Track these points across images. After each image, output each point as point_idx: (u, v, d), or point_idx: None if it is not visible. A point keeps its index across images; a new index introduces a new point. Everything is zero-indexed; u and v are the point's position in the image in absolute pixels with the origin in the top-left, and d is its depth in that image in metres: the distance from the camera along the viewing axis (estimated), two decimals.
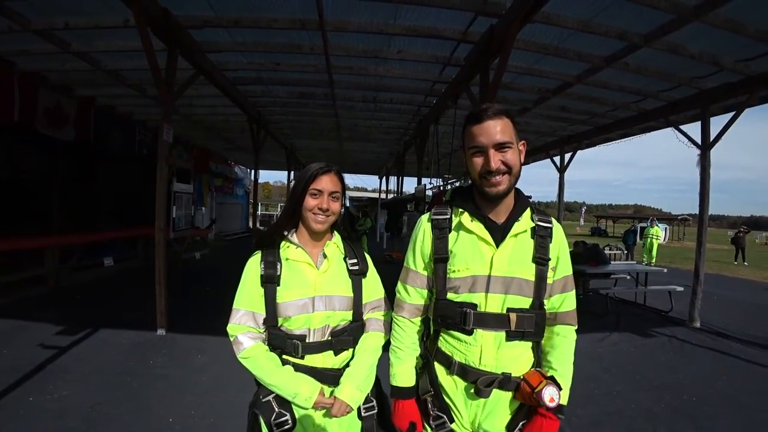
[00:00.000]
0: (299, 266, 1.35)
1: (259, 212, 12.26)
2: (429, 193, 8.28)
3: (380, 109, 8.66)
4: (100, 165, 9.03)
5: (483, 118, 1.18)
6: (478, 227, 1.24)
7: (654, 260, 13.93)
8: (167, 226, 4.88)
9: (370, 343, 1.41)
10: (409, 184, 38.26)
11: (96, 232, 8.19)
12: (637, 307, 7.27)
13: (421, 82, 6.80)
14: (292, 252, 1.36)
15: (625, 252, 13.86)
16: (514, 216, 1.25)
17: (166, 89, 4.71)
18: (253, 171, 11.91)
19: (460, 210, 1.28)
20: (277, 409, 1.28)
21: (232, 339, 1.33)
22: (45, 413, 2.87)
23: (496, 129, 1.17)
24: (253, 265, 1.35)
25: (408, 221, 8.13)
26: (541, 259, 1.23)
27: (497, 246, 1.22)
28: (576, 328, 1.32)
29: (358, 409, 1.37)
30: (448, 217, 1.30)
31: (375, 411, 1.40)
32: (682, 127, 6.78)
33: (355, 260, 1.42)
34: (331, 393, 1.32)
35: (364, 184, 32.33)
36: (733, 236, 19.20)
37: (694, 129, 6.44)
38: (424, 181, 9.53)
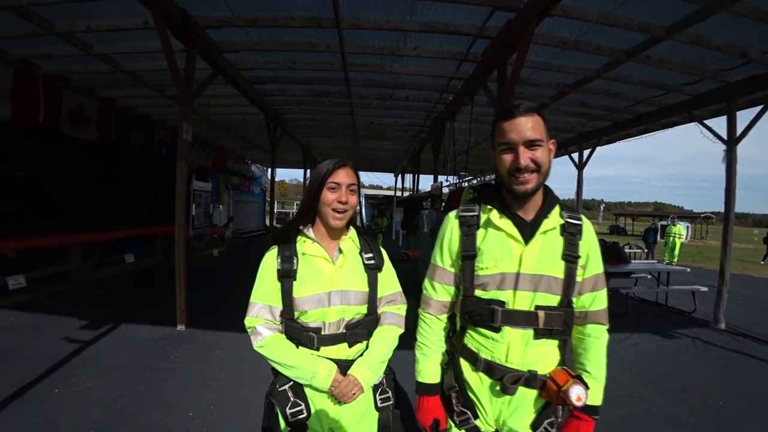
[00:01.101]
0: (315, 261, 1.36)
1: (275, 210, 12.37)
2: (445, 190, 8.21)
3: (396, 106, 8.64)
4: (121, 164, 9.25)
5: (514, 114, 1.17)
6: (506, 224, 1.23)
7: (676, 259, 13.58)
8: (186, 224, 4.95)
9: (385, 335, 1.42)
10: (425, 182, 38.18)
11: (117, 230, 8.40)
12: (659, 308, 7.09)
13: (437, 78, 6.75)
14: (308, 247, 1.38)
15: (646, 251, 13.55)
16: (542, 213, 1.23)
17: (184, 89, 4.78)
18: (269, 169, 12.03)
19: (489, 207, 1.27)
20: (292, 399, 1.30)
21: (249, 330, 1.36)
22: (70, 405, 2.95)
23: (527, 126, 1.15)
24: (270, 260, 1.37)
25: (424, 219, 8.08)
26: (570, 256, 1.21)
27: (526, 243, 1.21)
28: (608, 327, 1.30)
29: (375, 400, 1.39)
30: (476, 213, 1.29)
31: (391, 402, 1.41)
32: (706, 121, 6.58)
33: (370, 254, 1.43)
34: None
35: (379, 182, 32.43)
36: (766, 235, 18.55)
37: (718, 124, 6.23)
38: (441, 178, 9.46)
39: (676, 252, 13.82)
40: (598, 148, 9.89)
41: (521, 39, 4.20)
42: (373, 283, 1.40)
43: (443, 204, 7.16)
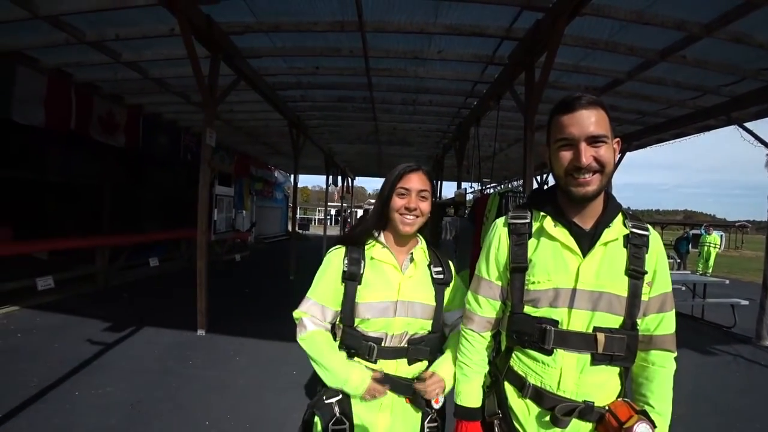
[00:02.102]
0: (384, 267, 1.30)
1: (297, 216, 12.49)
2: (469, 197, 8.05)
3: (419, 111, 8.53)
4: (147, 170, 9.48)
5: (576, 106, 1.03)
6: (562, 233, 1.09)
7: (711, 270, 12.94)
8: (208, 229, 4.97)
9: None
10: (448, 189, 37.88)
11: (143, 234, 8.57)
12: (694, 321, 6.72)
13: (461, 82, 6.62)
14: (377, 252, 1.32)
15: (678, 261, 13.00)
16: (604, 221, 1.09)
17: (209, 95, 4.82)
18: (292, 175, 12.11)
19: (542, 214, 1.14)
20: (338, 414, 1.22)
21: (297, 322, 1.33)
22: (89, 408, 2.94)
23: (591, 120, 1.02)
24: (336, 260, 1.31)
25: (447, 226, 7.94)
26: (635, 271, 1.06)
27: (584, 255, 1.07)
28: (675, 355, 1.13)
29: (422, 424, 1.30)
30: (528, 221, 1.16)
31: (437, 430, 1.32)
32: (746, 124, 6.23)
33: (440, 268, 1.37)
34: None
35: None
36: None
37: (761, 127, 5.90)
38: (464, 185, 9.30)
39: (711, 262, 13.20)
40: (627, 154, 9.54)
41: (550, 40, 4.04)
42: (440, 299, 1.33)
43: (467, 211, 7.01)
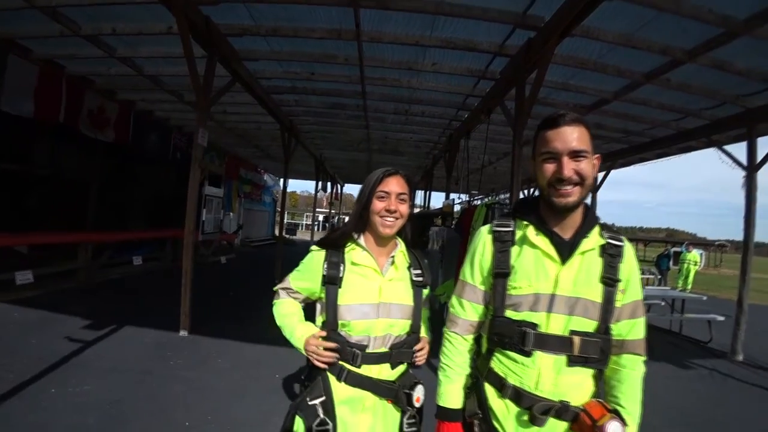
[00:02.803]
0: (364, 271, 1.33)
1: (285, 221, 12.42)
2: (456, 208, 8.15)
3: (411, 122, 8.64)
4: (135, 167, 9.38)
5: (560, 123, 1.11)
6: (543, 242, 1.15)
7: (690, 287, 13.24)
8: (196, 229, 4.95)
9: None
10: (437, 199, 38.07)
11: (128, 231, 8.47)
12: (672, 336, 6.87)
13: (453, 95, 6.75)
14: (357, 256, 1.34)
15: (659, 277, 13.27)
16: (582, 232, 1.15)
17: (203, 95, 4.82)
18: (281, 179, 12.10)
19: (525, 222, 1.20)
20: (321, 416, 1.24)
21: (274, 293, 1.46)
22: (65, 407, 2.88)
23: (573, 136, 1.09)
24: (317, 262, 1.35)
25: (434, 236, 8.01)
26: (610, 279, 1.12)
27: (563, 263, 1.13)
28: (645, 359, 1.21)
29: (401, 422, 1.33)
30: (511, 229, 1.21)
31: (416, 429, 1.35)
32: (726, 147, 6.46)
33: (419, 271, 1.40)
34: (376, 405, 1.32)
35: None
36: None
37: (739, 149, 6.11)
38: (452, 196, 9.41)
39: (690, 279, 13.51)
40: (612, 171, 9.78)
41: (541, 58, 4.18)
42: (418, 300, 1.37)
43: (454, 222, 7.09)
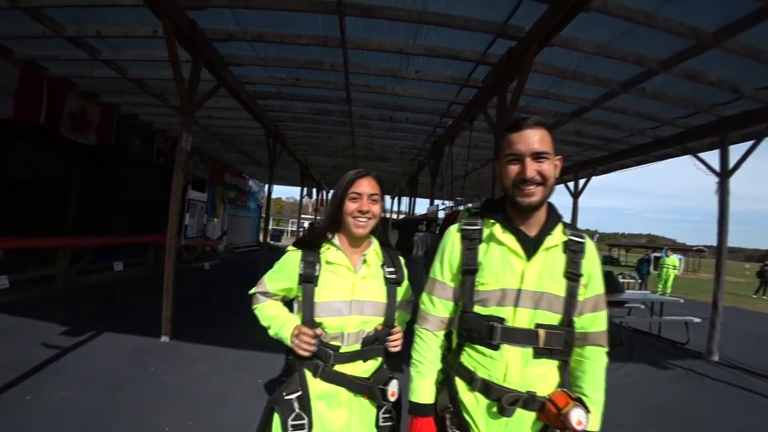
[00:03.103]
0: (338, 269, 1.37)
1: (270, 227, 12.33)
2: (441, 214, 8.23)
3: (396, 128, 8.72)
4: (118, 171, 9.24)
5: (523, 126, 1.17)
6: (509, 239, 1.20)
7: (669, 291, 13.57)
8: (179, 234, 4.89)
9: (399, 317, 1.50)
10: (422, 206, 38.20)
11: (108, 236, 8.32)
12: (652, 338, 7.03)
13: (437, 102, 6.86)
14: (332, 255, 1.38)
15: (639, 281, 13.56)
16: (546, 229, 1.21)
17: (188, 99, 4.81)
18: (266, 185, 12.04)
19: (491, 221, 1.25)
20: (297, 411, 1.27)
21: (252, 296, 1.49)
22: (41, 414, 2.82)
23: (535, 138, 1.15)
24: (293, 262, 1.38)
25: (418, 242, 8.07)
26: (572, 274, 1.18)
27: (528, 259, 1.18)
28: (607, 350, 1.26)
29: (377, 417, 1.36)
30: (479, 227, 1.26)
31: (392, 423, 1.38)
32: (700, 154, 6.68)
33: (393, 269, 1.44)
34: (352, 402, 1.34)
35: None
36: (759, 270, 18.68)
37: (712, 157, 6.32)
38: (437, 202, 9.49)
39: (669, 283, 13.84)
40: (594, 179, 10.01)
41: (522, 67, 4.29)
42: (392, 297, 1.41)
43: (438, 227, 7.16)
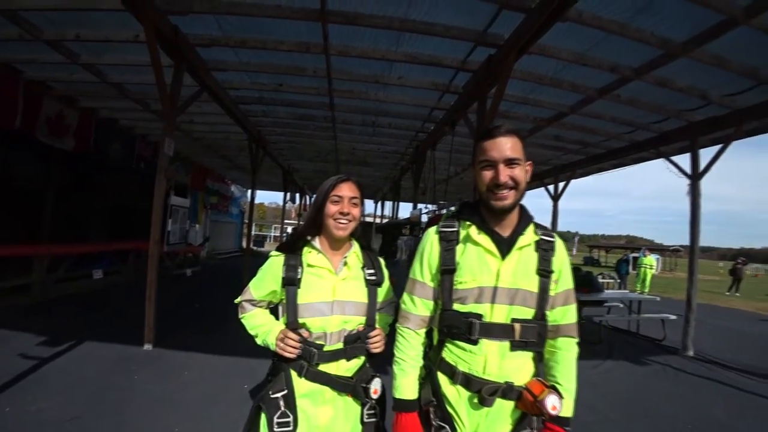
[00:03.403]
0: (320, 272, 1.42)
1: (252, 233, 12.22)
2: (424, 218, 8.31)
3: (379, 133, 8.80)
4: (96, 176, 9.02)
5: (496, 134, 1.25)
6: (485, 240, 1.28)
7: (647, 290, 13.95)
8: (161, 240, 4.84)
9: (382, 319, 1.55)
10: (405, 210, 38.28)
11: (87, 244, 8.11)
12: (631, 335, 7.24)
13: (419, 108, 6.96)
14: (313, 257, 1.43)
15: (618, 281, 13.91)
16: (518, 230, 1.29)
17: (170, 104, 4.77)
18: (249, 191, 11.95)
19: (468, 223, 1.32)
20: (282, 408, 1.31)
21: (239, 305, 1.52)
22: (20, 425, 2.77)
23: (507, 145, 1.24)
24: (276, 266, 1.43)
25: (402, 246, 8.13)
26: (544, 271, 1.27)
27: (503, 258, 1.26)
28: (578, 341, 1.35)
29: (361, 414, 1.40)
30: (456, 229, 1.34)
31: (376, 419, 1.43)
32: (672, 158, 6.94)
33: (372, 271, 1.50)
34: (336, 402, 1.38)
35: None
36: (731, 268, 19.40)
37: (684, 160, 6.61)
38: (420, 206, 9.58)
39: (647, 282, 14.24)
40: (573, 181, 10.27)
41: (501, 73, 4.42)
42: (372, 298, 1.47)
43: (422, 231, 7.24)
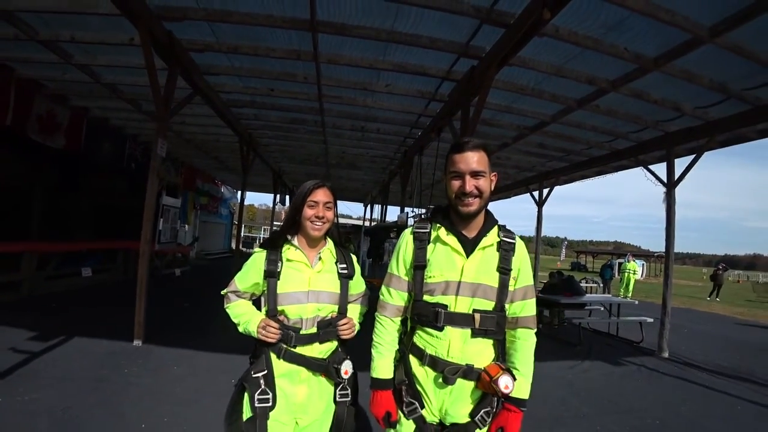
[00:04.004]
0: (297, 265, 1.59)
1: (242, 234, 12.29)
2: (411, 221, 8.48)
3: (367, 138, 8.97)
4: (86, 175, 9.05)
5: (464, 148, 1.43)
6: (452, 240, 1.46)
7: (630, 294, 14.22)
8: (153, 239, 4.94)
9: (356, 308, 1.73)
10: (393, 213, 38.40)
11: (76, 242, 8.13)
12: (610, 338, 7.45)
13: (407, 114, 7.16)
14: (292, 253, 1.61)
15: (602, 285, 14.19)
16: (482, 232, 1.47)
17: (163, 106, 4.89)
18: (239, 192, 12.02)
19: (438, 225, 1.50)
20: (262, 387, 1.49)
21: (224, 296, 1.67)
22: (13, 415, 2.85)
23: (474, 159, 1.41)
24: (258, 261, 1.60)
25: (389, 249, 8.29)
26: (503, 269, 1.44)
27: (467, 257, 1.43)
28: (535, 331, 1.52)
29: (334, 393, 1.58)
30: (428, 231, 1.52)
31: (348, 399, 1.61)
32: (651, 166, 7.20)
33: (344, 265, 1.68)
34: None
35: (349, 211, 32.53)
36: (712, 273, 19.88)
37: (661, 168, 6.86)
38: (407, 210, 9.75)
39: (631, 287, 14.52)
40: (561, 188, 10.56)
41: (483, 84, 4.62)
42: (344, 289, 1.64)
43: None
